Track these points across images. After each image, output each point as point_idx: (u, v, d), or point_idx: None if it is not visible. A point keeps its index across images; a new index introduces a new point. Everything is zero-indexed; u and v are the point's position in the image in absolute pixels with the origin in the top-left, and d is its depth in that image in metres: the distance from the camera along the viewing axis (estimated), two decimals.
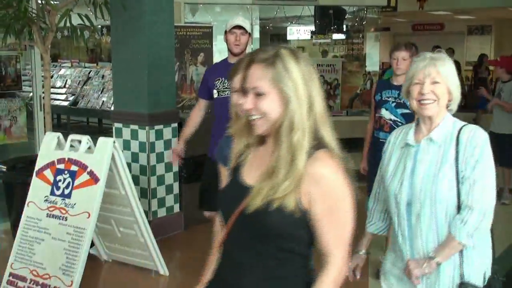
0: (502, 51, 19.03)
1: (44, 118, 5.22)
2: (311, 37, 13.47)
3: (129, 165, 4.66)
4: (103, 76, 11.62)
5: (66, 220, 3.94)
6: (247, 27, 4.26)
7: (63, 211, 3.95)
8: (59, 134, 4.27)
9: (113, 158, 4.04)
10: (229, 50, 4.23)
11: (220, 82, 4.16)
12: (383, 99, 4.43)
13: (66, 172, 4.04)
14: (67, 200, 3.97)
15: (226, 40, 4.22)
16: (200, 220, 5.70)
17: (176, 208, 5.53)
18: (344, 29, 11.91)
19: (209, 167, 4.07)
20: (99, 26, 13.02)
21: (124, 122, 5.30)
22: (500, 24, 20.22)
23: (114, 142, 4.05)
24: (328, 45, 14.38)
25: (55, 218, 3.98)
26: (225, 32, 4.23)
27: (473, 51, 18.92)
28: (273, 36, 16.46)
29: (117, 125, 5.36)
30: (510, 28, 18.61)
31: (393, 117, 4.36)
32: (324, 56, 13.92)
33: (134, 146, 5.25)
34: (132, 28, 5.14)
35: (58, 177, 4.05)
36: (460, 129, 2.32)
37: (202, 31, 9.18)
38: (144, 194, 5.23)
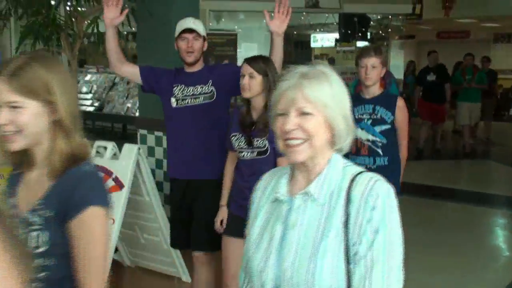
0: None
1: None
2: (335, 44, 13.44)
3: (153, 171, 4.69)
4: (128, 82, 11.72)
5: None
6: (200, 29, 3.61)
7: None
8: None
9: (137, 165, 4.07)
10: (182, 60, 3.65)
11: (180, 90, 3.63)
12: (356, 117, 3.62)
13: None
14: None
15: (177, 48, 3.63)
16: None
17: None
18: (369, 37, 11.88)
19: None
20: (125, 33, 13.15)
21: (149, 128, 5.33)
22: None
23: (139, 149, 4.09)
24: (352, 53, 14.34)
25: None
26: (175, 38, 3.62)
27: (499, 59, 18.69)
28: (297, 43, 16.46)
29: (142, 131, 5.40)
30: None
31: (370, 137, 3.75)
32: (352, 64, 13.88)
33: (159, 152, 5.28)
34: (158, 35, 5.18)
35: None
36: (353, 179, 1.60)
37: (226, 38, 9.23)
38: (168, 200, 5.24)
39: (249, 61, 3.24)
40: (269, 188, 1.77)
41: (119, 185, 3.96)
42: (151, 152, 5.30)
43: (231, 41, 9.17)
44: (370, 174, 1.62)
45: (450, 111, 11.28)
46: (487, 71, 11.32)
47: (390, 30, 12.22)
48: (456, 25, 19.51)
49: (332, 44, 14.62)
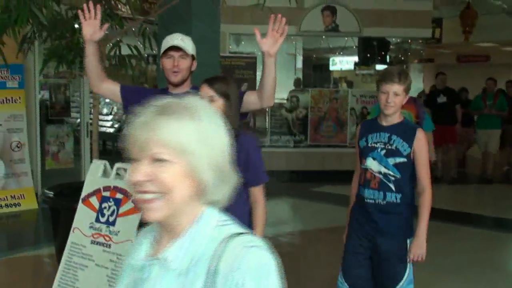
0: None
1: (91, 144, 5.32)
2: (354, 68, 13.47)
3: None
4: None
5: (110, 247, 3.98)
6: (188, 47, 3.32)
7: (107, 238, 4.00)
8: (106, 162, 4.34)
9: None
10: (166, 79, 3.36)
11: None
12: (369, 145, 3.37)
13: (111, 200, 4.09)
14: (111, 228, 4.01)
15: (162, 67, 3.34)
16: None
17: None
18: (388, 60, 11.88)
19: None
20: (145, 55, 13.31)
21: None
22: None
23: None
24: (371, 76, 14.35)
25: (99, 245, 4.03)
26: (160, 56, 3.35)
27: None
28: (316, 66, 16.51)
29: None
30: None
31: (383, 169, 3.30)
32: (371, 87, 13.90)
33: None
34: None
35: (104, 205, 4.11)
36: (222, 244, 1.26)
37: (246, 61, 9.29)
38: None
39: (209, 81, 2.93)
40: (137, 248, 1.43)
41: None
42: None
43: (251, 64, 9.24)
44: (247, 238, 1.27)
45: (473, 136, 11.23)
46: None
47: (409, 53, 12.20)
48: (476, 49, 19.47)
49: (351, 67, 14.63)
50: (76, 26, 4.64)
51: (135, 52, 4.86)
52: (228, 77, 3.17)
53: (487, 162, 10.46)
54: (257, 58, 9.60)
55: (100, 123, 11.34)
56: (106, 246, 3.99)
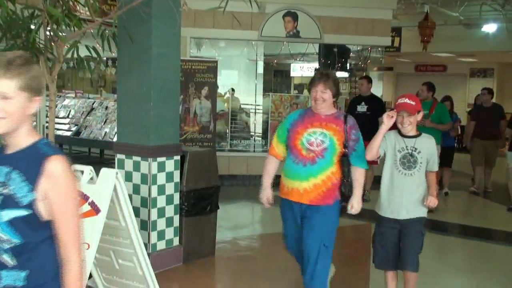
0: (503, 94, 19.20)
1: None
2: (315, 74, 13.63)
3: (130, 196, 4.64)
4: (106, 107, 11.70)
5: None
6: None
7: None
8: None
9: (115, 190, 4.02)
10: None
11: None
12: None
13: None
14: None
15: None
16: (199, 254, 5.68)
17: (176, 241, 5.48)
18: (348, 67, 12.02)
19: None
20: (104, 58, 13.16)
21: (127, 153, 5.31)
22: (503, 67, 20.46)
23: (116, 173, 4.05)
24: None
25: None
26: None
27: (475, 94, 19.06)
28: (277, 72, 16.60)
29: (119, 156, 5.37)
30: None
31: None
32: None
33: (136, 177, 5.25)
34: (138, 61, 5.19)
35: None
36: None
37: (207, 66, 9.28)
38: (144, 226, 5.20)
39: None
40: None
41: (96, 210, 3.91)
42: (128, 177, 5.26)
43: (212, 68, 9.22)
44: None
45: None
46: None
47: (369, 61, 12.37)
48: (434, 59, 19.90)
49: (312, 73, 14.76)
50: (32, 26, 4.55)
51: (94, 54, 4.78)
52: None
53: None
54: (217, 62, 9.60)
55: (57, 126, 11.13)
56: None
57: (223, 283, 5.50)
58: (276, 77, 16.68)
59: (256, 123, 11.20)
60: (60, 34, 4.73)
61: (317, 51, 11.56)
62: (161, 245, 5.34)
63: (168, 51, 5.26)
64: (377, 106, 8.44)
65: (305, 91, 15.31)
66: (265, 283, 5.20)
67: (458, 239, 7.19)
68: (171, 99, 5.36)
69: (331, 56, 11.30)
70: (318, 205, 4.02)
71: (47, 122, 6.02)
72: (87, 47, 4.78)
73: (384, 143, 4.10)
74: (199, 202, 5.62)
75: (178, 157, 5.40)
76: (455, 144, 10.15)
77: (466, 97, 20.23)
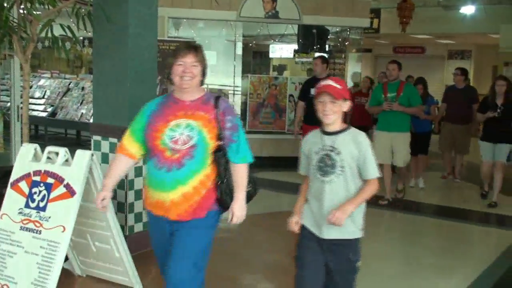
0: (480, 76, 19.37)
1: (22, 128, 5.13)
2: (294, 55, 13.56)
3: None
4: (83, 88, 11.55)
5: (40, 233, 3.86)
6: None
7: (38, 224, 3.87)
8: (36, 146, 4.20)
9: (90, 171, 3.98)
10: None
11: None
12: None
13: (42, 184, 3.96)
14: (42, 213, 3.89)
15: None
16: None
17: None
18: (327, 49, 11.99)
19: None
20: (81, 38, 12.96)
21: (103, 135, 5.24)
22: (480, 49, 20.60)
23: (92, 155, 4.00)
24: (310, 64, 14.46)
25: (29, 231, 3.90)
26: None
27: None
28: (256, 53, 16.51)
29: (95, 137, 5.29)
30: (489, 54, 18.91)
31: None
32: (308, 74, 14.00)
33: (113, 159, 5.18)
34: (115, 41, 5.10)
35: (34, 190, 3.98)
36: None
37: None
38: (121, 208, 5.15)
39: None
40: None
41: (71, 192, 3.86)
42: (105, 158, 5.20)
43: None
44: None
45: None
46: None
47: (348, 43, 12.36)
48: (412, 41, 19.96)
49: (291, 55, 14.73)
50: (5, 4, 4.44)
51: (68, 33, 4.69)
52: None
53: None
54: (196, 42, 9.50)
55: (33, 107, 10.97)
56: (36, 233, 3.87)
57: None
58: (255, 58, 16.59)
59: (234, 105, 11.15)
60: (34, 12, 4.64)
61: (296, 32, 11.52)
62: (138, 228, 5.30)
63: (145, 31, 5.18)
64: None
65: (285, 72, 15.27)
66: (241, 263, 5.21)
67: (432, 219, 7.29)
68: (148, 79, 5.29)
69: (310, 37, 11.27)
70: (189, 220, 3.18)
71: (21, 103, 5.92)
72: (62, 26, 4.68)
73: (303, 149, 3.36)
74: None
75: None
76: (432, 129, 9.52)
77: (444, 79, 20.36)
